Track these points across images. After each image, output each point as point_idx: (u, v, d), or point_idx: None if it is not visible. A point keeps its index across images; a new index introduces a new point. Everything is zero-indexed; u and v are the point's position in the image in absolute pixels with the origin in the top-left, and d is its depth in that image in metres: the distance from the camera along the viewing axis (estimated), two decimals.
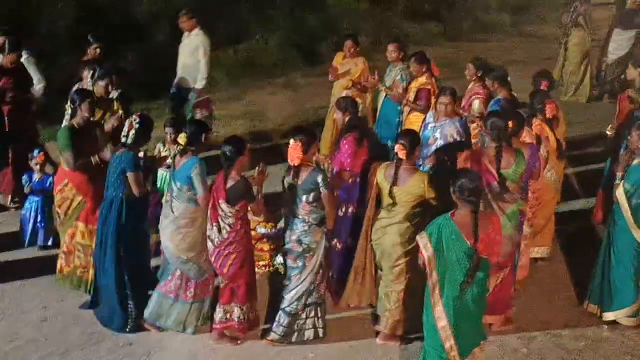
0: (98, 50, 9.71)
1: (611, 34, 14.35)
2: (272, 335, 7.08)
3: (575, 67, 14.60)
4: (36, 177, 8.90)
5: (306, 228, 6.88)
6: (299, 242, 6.90)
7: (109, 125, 8.22)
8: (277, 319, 7.06)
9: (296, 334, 7.07)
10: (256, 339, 7.16)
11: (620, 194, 7.19)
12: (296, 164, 6.79)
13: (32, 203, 8.86)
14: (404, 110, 9.97)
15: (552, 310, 7.76)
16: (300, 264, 6.93)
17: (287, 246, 7.00)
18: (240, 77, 16.03)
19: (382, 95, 10.45)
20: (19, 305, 7.74)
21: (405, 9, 19.73)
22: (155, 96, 14.25)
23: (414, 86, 9.84)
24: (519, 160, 7.09)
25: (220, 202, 6.78)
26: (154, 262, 7.76)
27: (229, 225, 6.81)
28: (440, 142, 8.26)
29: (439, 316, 5.99)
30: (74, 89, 8.53)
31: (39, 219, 8.81)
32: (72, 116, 7.82)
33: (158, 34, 15.94)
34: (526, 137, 7.76)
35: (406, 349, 7.06)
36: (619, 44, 14.14)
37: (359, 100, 10.03)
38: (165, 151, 8.43)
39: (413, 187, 6.81)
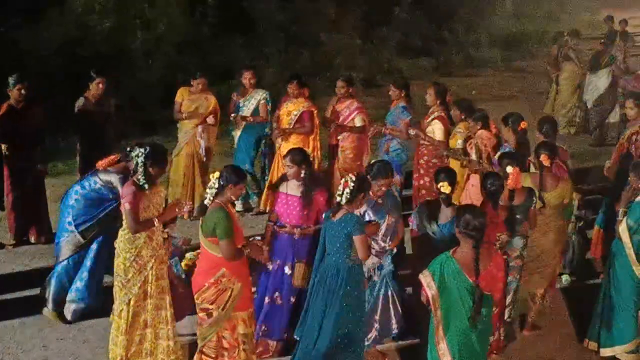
0: (101, 85, 9.70)
1: (584, 78, 14.70)
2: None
3: (566, 100, 14.77)
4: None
5: (525, 242, 7.48)
6: (520, 256, 7.47)
7: None
8: (500, 330, 7.40)
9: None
10: None
11: (623, 230, 7.25)
12: (519, 187, 7.28)
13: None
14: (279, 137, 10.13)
15: (552, 347, 7.78)
16: (518, 277, 7.51)
17: (510, 264, 7.33)
18: None
19: (242, 124, 10.70)
20: (18, 344, 7.68)
21: (398, 45, 19.93)
22: (149, 132, 14.31)
23: (294, 109, 10.08)
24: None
25: (499, 235, 7.04)
26: None
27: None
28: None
29: (443, 352, 5.99)
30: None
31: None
32: (217, 194, 6.63)
33: (151, 70, 16.03)
34: None
35: None
36: (594, 85, 14.43)
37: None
38: None
39: (562, 189, 7.70)
